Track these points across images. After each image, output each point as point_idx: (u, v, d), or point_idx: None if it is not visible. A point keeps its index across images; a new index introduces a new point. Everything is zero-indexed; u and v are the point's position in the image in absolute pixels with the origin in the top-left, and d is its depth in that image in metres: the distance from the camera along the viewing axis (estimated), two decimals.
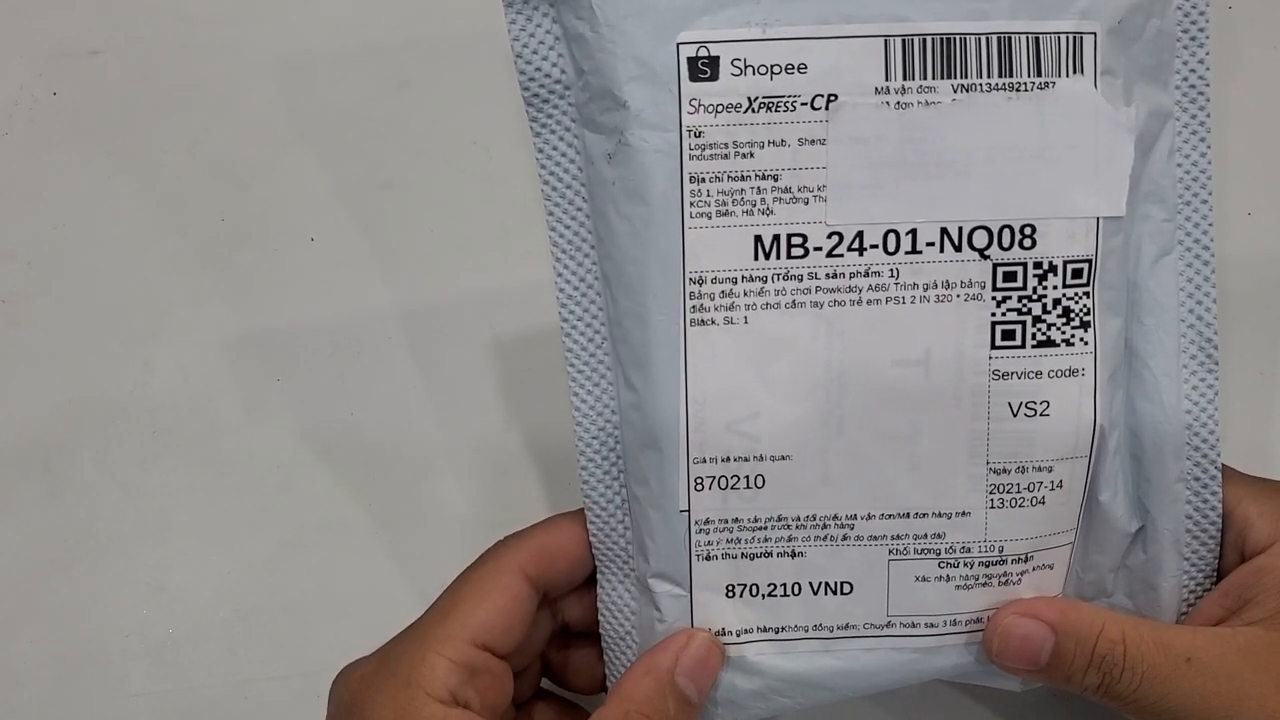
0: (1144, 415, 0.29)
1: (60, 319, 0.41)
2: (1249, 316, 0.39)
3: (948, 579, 0.29)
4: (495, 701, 0.30)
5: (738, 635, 0.29)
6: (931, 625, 0.29)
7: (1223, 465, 0.30)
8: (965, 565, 0.29)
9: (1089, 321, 0.28)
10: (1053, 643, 0.28)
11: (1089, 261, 0.28)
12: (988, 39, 0.27)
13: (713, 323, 0.28)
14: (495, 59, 0.41)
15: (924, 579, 0.29)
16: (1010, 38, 0.27)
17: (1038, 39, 0.27)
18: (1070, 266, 0.28)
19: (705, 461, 0.28)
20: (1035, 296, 0.28)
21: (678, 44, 0.27)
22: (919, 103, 0.27)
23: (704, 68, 0.27)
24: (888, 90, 0.27)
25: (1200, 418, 0.29)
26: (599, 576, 0.31)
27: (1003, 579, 0.29)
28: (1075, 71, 0.27)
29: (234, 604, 0.39)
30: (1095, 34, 0.27)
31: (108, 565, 0.39)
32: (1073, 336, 0.28)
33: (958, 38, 0.27)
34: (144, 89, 0.42)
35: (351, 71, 0.42)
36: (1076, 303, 0.28)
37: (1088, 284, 0.28)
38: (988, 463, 0.28)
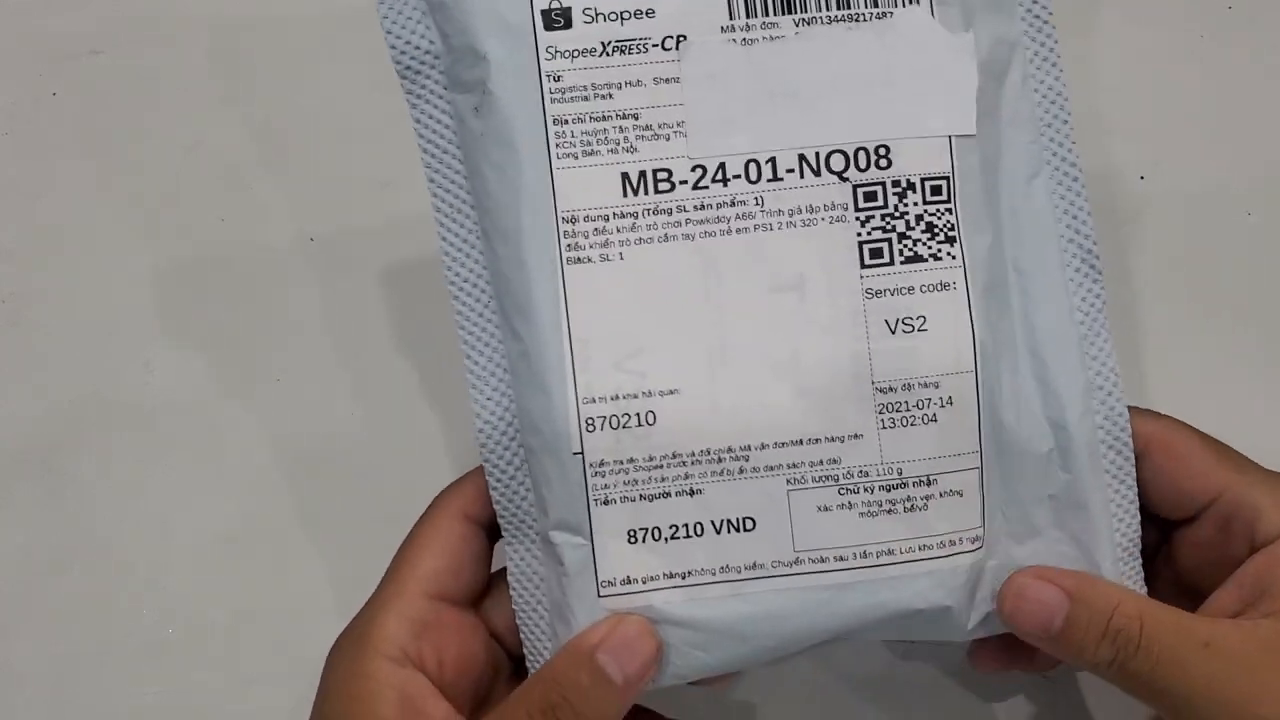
0: (1040, 330, 0.30)
1: (60, 319, 0.41)
2: (1249, 316, 0.39)
3: (850, 505, 0.29)
4: (455, 656, 0.29)
5: (643, 583, 0.29)
6: (841, 559, 0.29)
7: (1229, 449, 0.30)
8: (865, 490, 0.29)
9: (954, 236, 0.29)
10: (1067, 610, 0.28)
11: (946, 179, 0.29)
12: None
13: (589, 260, 0.29)
14: None
15: (826, 508, 0.29)
16: None
17: None
18: (928, 184, 0.29)
19: (594, 401, 0.28)
20: (897, 214, 0.29)
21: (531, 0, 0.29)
22: (763, 38, 0.29)
23: (557, 17, 0.29)
24: (733, 28, 0.29)
25: (1093, 327, 0.30)
26: (506, 546, 0.30)
27: (908, 504, 0.29)
28: (911, 2, 0.29)
29: (234, 604, 0.39)
30: None
31: (107, 565, 0.39)
32: (939, 251, 0.29)
33: None
34: (144, 89, 0.42)
35: (351, 71, 0.42)
36: (939, 219, 0.29)
37: (948, 200, 0.29)
38: (873, 382, 0.29)
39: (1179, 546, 0.31)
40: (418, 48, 0.30)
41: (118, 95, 0.42)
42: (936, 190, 0.29)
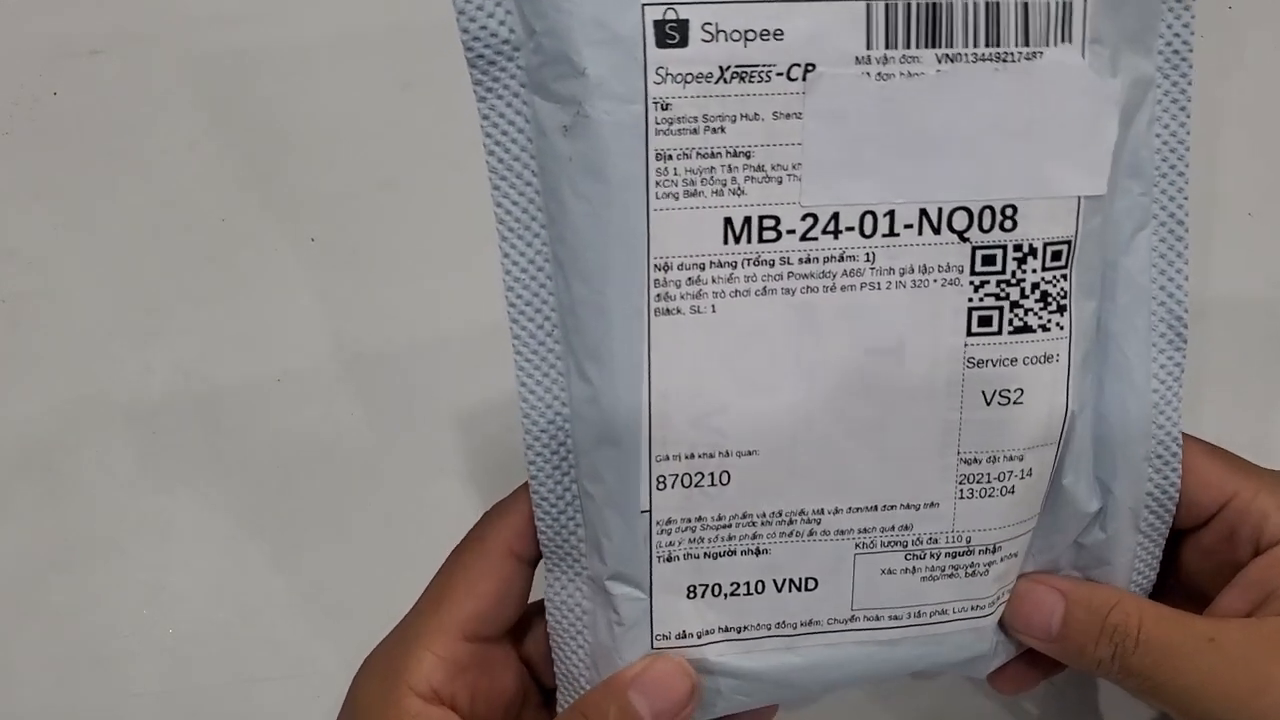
0: (1112, 396, 0.28)
1: (60, 319, 0.41)
2: (1250, 317, 0.39)
3: (914, 570, 0.28)
4: (489, 690, 0.29)
5: (698, 637, 0.28)
6: (895, 618, 0.28)
7: (1234, 456, 0.30)
8: (932, 556, 0.28)
9: (1065, 305, 0.27)
10: (1063, 610, 0.28)
11: (1068, 243, 0.27)
12: (975, 4, 0.25)
13: (679, 312, 0.26)
14: None
15: (890, 571, 0.28)
16: (998, 3, 0.25)
17: (1026, 4, 0.25)
18: (1050, 249, 0.26)
19: (669, 459, 0.27)
20: (1014, 281, 0.26)
21: (643, 5, 0.25)
22: (901, 73, 0.25)
23: (672, 32, 0.25)
24: (869, 59, 0.25)
25: (1166, 395, 0.29)
26: (547, 574, 0.29)
27: (969, 570, 0.28)
28: (1063, 40, 0.25)
29: (234, 604, 0.39)
30: (1087, 1, 0.26)
31: (108, 565, 0.39)
32: (1049, 321, 0.27)
33: (943, 3, 0.25)
34: (144, 89, 0.42)
35: (352, 71, 0.42)
36: (1054, 286, 0.27)
37: (1066, 266, 0.27)
38: (959, 453, 0.27)
39: (1184, 552, 0.31)
40: (494, 34, 0.26)
41: (118, 95, 0.42)
42: (1056, 256, 0.26)
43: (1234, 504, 0.29)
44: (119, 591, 0.39)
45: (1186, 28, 0.27)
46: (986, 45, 0.25)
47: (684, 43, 0.25)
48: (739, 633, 0.28)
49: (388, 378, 0.40)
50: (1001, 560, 0.28)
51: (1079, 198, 0.26)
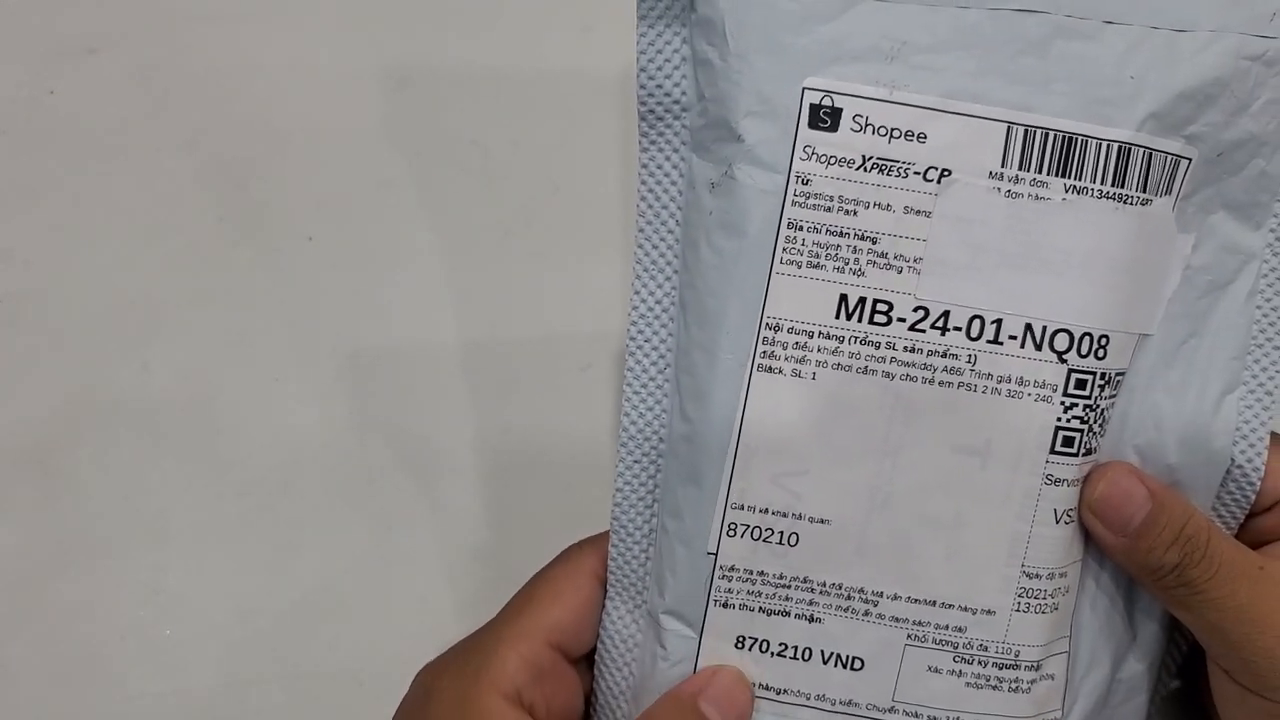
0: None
1: (58, 319, 0.41)
2: None
3: (959, 674, 0.28)
4: (562, 709, 0.29)
5: None
6: (934, 719, 0.29)
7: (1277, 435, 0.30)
8: (980, 664, 0.28)
9: (1106, 430, 0.28)
10: (1149, 509, 0.28)
11: (1123, 374, 0.28)
12: (1109, 146, 0.27)
13: (780, 372, 0.28)
14: (495, 59, 0.41)
15: (936, 670, 0.28)
16: (1130, 149, 0.27)
17: (1151, 155, 0.27)
18: (1117, 378, 0.28)
19: (743, 509, 0.28)
20: (1095, 407, 0.28)
21: (803, 88, 0.27)
22: (1029, 195, 0.27)
23: (825, 117, 0.27)
24: (1001, 177, 0.27)
25: None
26: (608, 602, 0.30)
27: (1014, 685, 0.28)
28: (1166, 193, 0.27)
29: (232, 605, 0.39)
30: (1191, 160, 0.27)
31: (106, 566, 0.39)
32: (1099, 445, 0.28)
33: (1080, 139, 0.27)
34: (141, 88, 0.42)
35: (351, 71, 0.42)
36: (1109, 412, 0.28)
37: (1116, 395, 0.28)
38: (1023, 566, 0.28)
39: (1245, 530, 0.31)
40: (668, 94, 0.28)
41: (115, 94, 0.42)
42: (1116, 386, 0.28)
43: None
44: (116, 592, 0.39)
45: None
46: (1112, 185, 0.27)
47: (834, 128, 0.27)
48: (778, 694, 0.29)
49: (386, 377, 0.40)
50: (1041, 680, 0.29)
51: (1138, 334, 0.28)
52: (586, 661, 0.31)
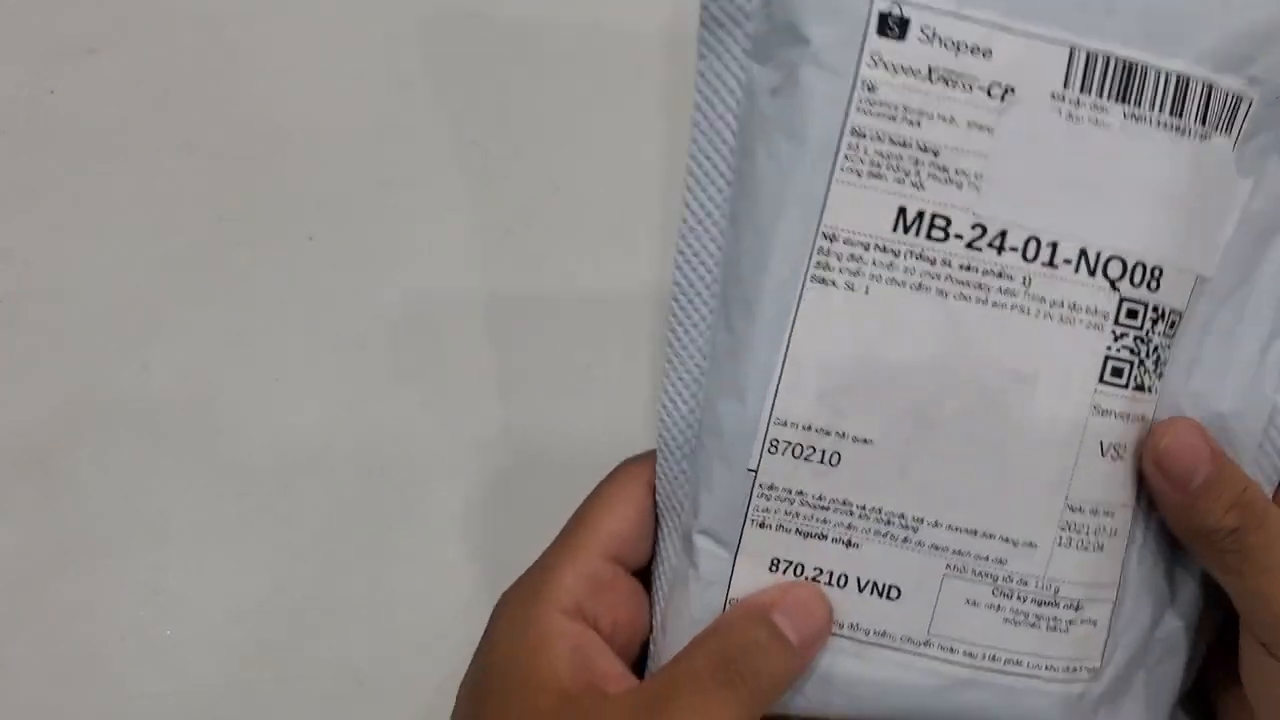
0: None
1: (58, 319, 0.41)
2: None
3: (998, 609, 0.28)
4: (627, 622, 0.29)
5: None
6: (970, 655, 0.28)
7: None
8: (1019, 598, 0.28)
9: (1163, 373, 0.28)
10: (1211, 468, 0.27)
11: (1180, 315, 0.28)
12: (1169, 75, 0.27)
13: (834, 284, 0.27)
14: (495, 59, 0.41)
15: (974, 603, 0.28)
16: (1189, 80, 0.27)
17: (1211, 89, 0.27)
18: (1172, 316, 0.28)
19: (786, 425, 0.27)
20: (1147, 339, 0.27)
21: None
22: (1090, 119, 0.27)
23: (893, 25, 0.26)
24: (1063, 99, 0.27)
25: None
26: (659, 529, 0.30)
27: (1052, 623, 0.28)
28: (1225, 131, 0.27)
29: (232, 605, 0.38)
30: (1253, 101, 0.27)
31: (105, 566, 0.39)
32: (1154, 385, 0.28)
33: (1140, 66, 0.27)
34: (141, 88, 0.42)
35: (351, 70, 0.42)
36: (1165, 353, 0.28)
37: (1174, 336, 0.28)
38: (1066, 499, 0.27)
39: None
40: (733, 1, 0.28)
41: (115, 94, 0.42)
42: (1172, 325, 0.28)
43: None
44: (116, 592, 0.39)
45: None
46: (1170, 114, 0.27)
47: (902, 36, 0.26)
48: None
49: (386, 378, 0.40)
50: (1081, 623, 0.28)
51: (1196, 275, 0.28)
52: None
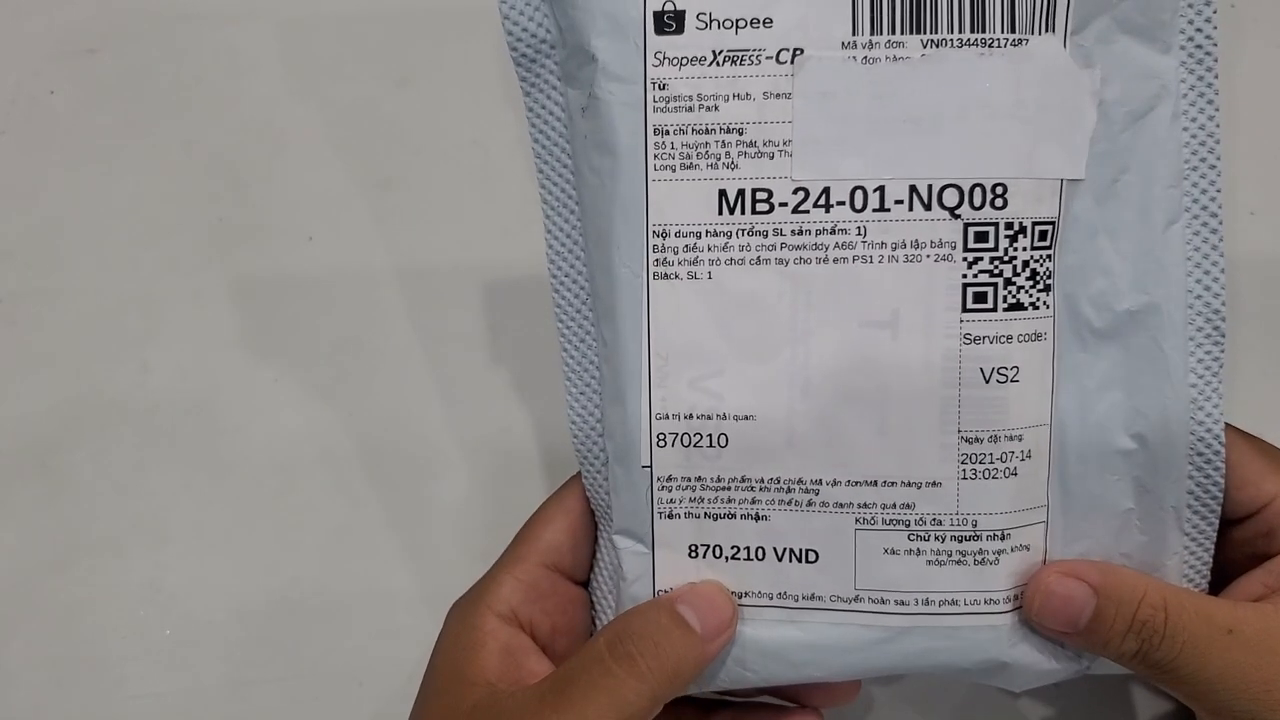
0: (1150, 391, 0.28)
1: (58, 319, 0.41)
2: (1251, 315, 0.39)
3: (918, 553, 0.28)
4: (568, 627, 0.31)
5: None
6: (902, 603, 0.28)
7: (1257, 440, 0.29)
8: (936, 539, 0.28)
9: (1050, 285, 0.28)
10: (1094, 605, 0.28)
11: (1053, 224, 0.27)
12: None
13: (676, 276, 0.28)
14: (494, 58, 0.41)
15: (893, 551, 0.28)
16: None
17: None
18: (1038, 228, 0.27)
19: (668, 418, 0.28)
20: (1006, 258, 0.27)
21: None
22: (886, 58, 0.27)
23: (669, 21, 0.27)
24: (854, 45, 0.27)
25: (1205, 390, 0.28)
26: (598, 536, 0.31)
27: (978, 557, 0.28)
28: (1047, 30, 0.27)
29: (232, 605, 0.38)
30: None
31: (105, 566, 0.39)
32: (1038, 300, 0.27)
33: None
34: (141, 88, 0.42)
35: (350, 70, 0.42)
36: (1041, 265, 0.27)
37: (1050, 246, 0.27)
38: (959, 431, 0.28)
39: (1225, 542, 0.30)
40: (534, 35, 0.29)
41: (115, 94, 0.42)
42: (1043, 236, 0.27)
43: (1274, 507, 0.29)
44: (116, 592, 0.39)
45: (1209, 23, 0.28)
46: (971, 31, 0.27)
47: (680, 30, 0.27)
48: (740, 598, 0.29)
49: (386, 378, 0.40)
50: (1012, 551, 0.28)
51: (1061, 180, 0.27)
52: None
